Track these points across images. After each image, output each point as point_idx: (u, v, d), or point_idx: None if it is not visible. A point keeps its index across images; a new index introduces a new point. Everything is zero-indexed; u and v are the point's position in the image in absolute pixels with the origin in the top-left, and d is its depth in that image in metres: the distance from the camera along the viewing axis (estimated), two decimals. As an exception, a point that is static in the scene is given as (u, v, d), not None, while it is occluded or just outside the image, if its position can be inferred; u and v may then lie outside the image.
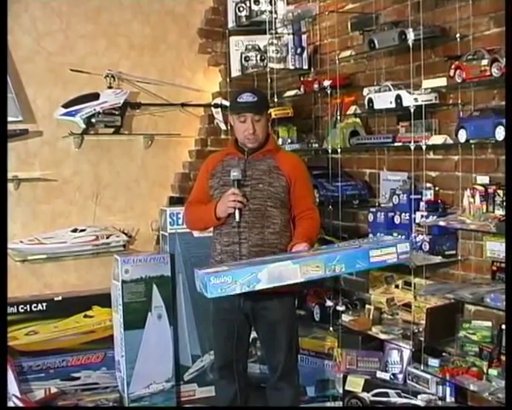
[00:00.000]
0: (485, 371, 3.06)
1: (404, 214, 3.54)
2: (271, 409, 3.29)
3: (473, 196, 3.15)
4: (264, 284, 2.55)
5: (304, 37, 4.44)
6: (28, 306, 3.95)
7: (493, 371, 3.01)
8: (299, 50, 4.41)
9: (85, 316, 4.10)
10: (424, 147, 3.30)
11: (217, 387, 3.42)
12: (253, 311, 3.12)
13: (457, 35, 3.30)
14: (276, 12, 4.22)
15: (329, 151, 3.93)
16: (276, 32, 4.29)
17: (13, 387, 3.61)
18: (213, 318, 3.23)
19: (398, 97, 3.43)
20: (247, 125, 3.08)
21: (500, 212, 3.03)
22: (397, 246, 2.67)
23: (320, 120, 4.42)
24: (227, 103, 4.14)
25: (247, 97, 3.09)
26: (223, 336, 3.19)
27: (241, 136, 3.14)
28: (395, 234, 3.54)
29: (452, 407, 3.24)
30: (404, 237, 3.50)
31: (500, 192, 3.04)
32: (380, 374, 3.58)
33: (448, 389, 3.27)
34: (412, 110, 3.30)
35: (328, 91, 3.92)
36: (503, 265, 3.15)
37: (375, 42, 3.58)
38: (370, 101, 3.68)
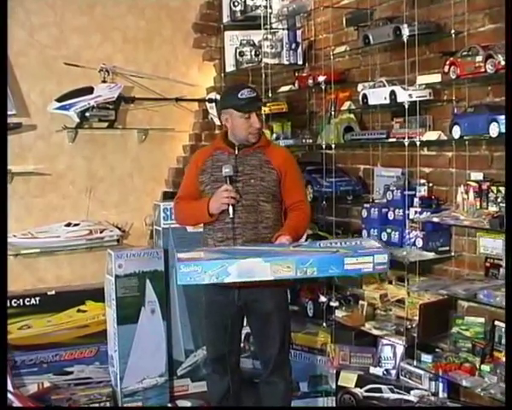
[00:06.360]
0: (477, 367, 3.07)
1: (397, 210, 3.55)
2: (266, 409, 3.30)
3: (466, 193, 3.15)
4: (234, 278, 2.59)
5: (298, 32, 4.43)
6: (21, 300, 3.95)
7: (486, 367, 3.02)
8: (293, 46, 4.40)
9: (79, 310, 4.09)
10: (418, 143, 3.30)
11: (209, 381, 3.41)
12: (246, 304, 3.12)
13: (452, 31, 3.30)
14: (270, 7, 4.23)
15: (323, 147, 3.93)
16: (271, 28, 4.28)
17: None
18: (206, 310, 3.23)
19: (393, 93, 3.43)
20: (252, 121, 3.07)
21: (493, 208, 3.03)
22: (374, 256, 2.65)
23: (314, 115, 4.42)
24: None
25: (248, 93, 3.06)
26: (215, 328, 3.19)
27: (243, 132, 3.09)
28: (389, 230, 3.57)
29: (448, 406, 3.24)
30: (397, 232, 3.51)
31: (494, 189, 3.04)
32: (373, 370, 3.59)
33: (441, 385, 3.29)
34: (406, 106, 3.30)
35: (323, 87, 3.92)
36: (496, 261, 3.16)
37: (370, 37, 3.58)
38: (365, 97, 3.68)
